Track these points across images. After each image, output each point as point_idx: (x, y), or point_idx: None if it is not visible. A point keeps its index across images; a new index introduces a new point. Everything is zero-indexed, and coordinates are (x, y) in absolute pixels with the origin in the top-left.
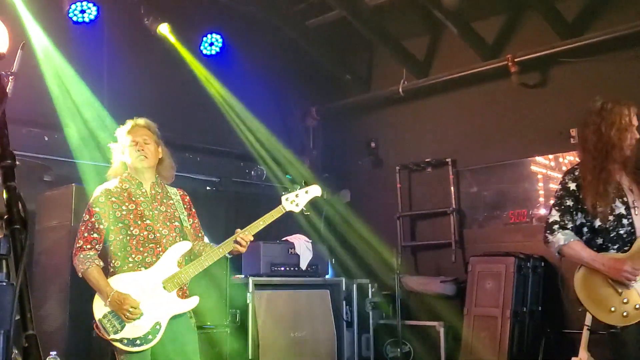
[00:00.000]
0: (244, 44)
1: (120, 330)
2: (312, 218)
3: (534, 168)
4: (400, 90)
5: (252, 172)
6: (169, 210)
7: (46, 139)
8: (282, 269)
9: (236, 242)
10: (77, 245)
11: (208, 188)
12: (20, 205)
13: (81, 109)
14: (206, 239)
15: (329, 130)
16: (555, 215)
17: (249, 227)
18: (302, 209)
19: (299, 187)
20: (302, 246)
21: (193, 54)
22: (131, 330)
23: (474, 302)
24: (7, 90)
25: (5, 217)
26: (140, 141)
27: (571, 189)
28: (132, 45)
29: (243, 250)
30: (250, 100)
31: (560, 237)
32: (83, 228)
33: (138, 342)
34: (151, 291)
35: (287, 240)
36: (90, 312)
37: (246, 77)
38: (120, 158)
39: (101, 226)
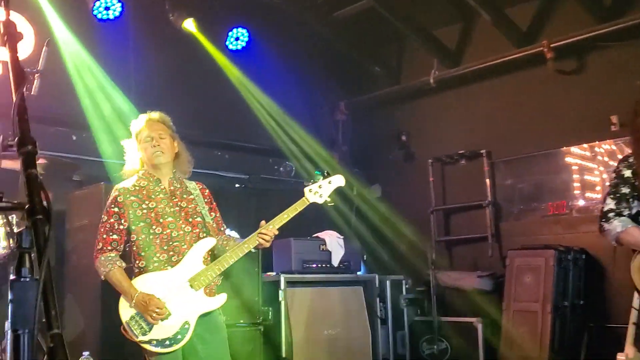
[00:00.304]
0: (270, 37)
1: (149, 332)
2: (344, 214)
3: (570, 158)
4: (432, 80)
5: (281, 169)
6: (189, 206)
7: (74, 138)
8: (314, 265)
9: (260, 236)
10: (97, 247)
11: (237, 185)
12: (42, 194)
13: (108, 107)
14: (229, 232)
15: (359, 124)
16: (610, 204)
17: (273, 221)
18: (326, 200)
19: (321, 178)
20: (334, 242)
21: (219, 49)
22: (160, 331)
23: (513, 297)
24: (33, 88)
25: (27, 207)
26: (156, 136)
27: (626, 176)
28: (157, 41)
29: (267, 244)
30: (277, 95)
31: (617, 224)
32: (102, 230)
33: (167, 342)
34: (178, 290)
35: (318, 237)
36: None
37: (273, 72)
38: (135, 155)
39: (121, 226)
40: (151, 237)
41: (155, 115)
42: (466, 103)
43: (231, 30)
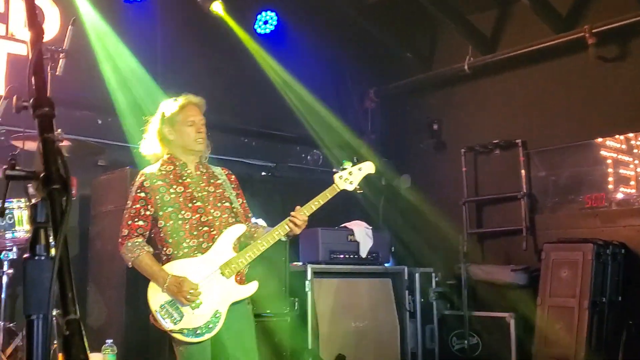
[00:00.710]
0: (299, 21)
1: (180, 321)
2: (373, 204)
3: (609, 149)
4: (466, 67)
5: (309, 157)
6: (217, 191)
7: (99, 122)
8: (341, 256)
9: (291, 220)
10: (122, 234)
11: (263, 173)
12: (60, 161)
13: (134, 91)
14: (254, 220)
15: (389, 112)
16: None
17: (304, 207)
18: (356, 187)
19: (351, 165)
20: (362, 233)
21: (247, 32)
22: (191, 319)
23: (549, 292)
24: (59, 68)
25: (42, 175)
26: (199, 122)
27: None
28: (184, 24)
29: (298, 230)
30: (305, 81)
31: None
32: (127, 216)
33: (199, 331)
34: (209, 278)
35: (346, 227)
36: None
37: (301, 57)
38: (162, 135)
39: (147, 212)
40: (180, 222)
41: (197, 99)
42: (501, 91)
43: (260, 14)
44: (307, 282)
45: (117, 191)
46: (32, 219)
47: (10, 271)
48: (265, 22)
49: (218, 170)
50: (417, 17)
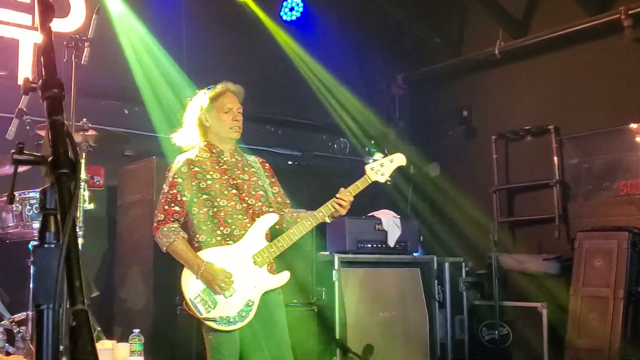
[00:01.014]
0: (326, 8)
1: (213, 309)
2: (401, 192)
3: None
4: (497, 51)
5: (335, 145)
6: (252, 179)
7: (126, 112)
8: (369, 245)
9: (337, 201)
10: (158, 219)
11: (290, 162)
12: (69, 144)
13: (160, 80)
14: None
15: (417, 99)
16: None
17: (345, 190)
18: (387, 179)
19: (382, 156)
20: (390, 222)
21: (273, 19)
22: (224, 308)
23: (582, 282)
24: (83, 57)
25: (50, 159)
26: (236, 111)
27: None
28: (210, 12)
29: (344, 211)
30: (332, 68)
31: None
32: (163, 200)
33: (232, 320)
34: (241, 266)
35: (373, 216)
36: (174, 287)
37: (327, 44)
38: (200, 122)
39: (183, 198)
40: (215, 209)
41: (235, 87)
42: (533, 75)
43: (286, 0)
44: (334, 272)
45: (143, 181)
46: (42, 206)
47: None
48: (292, 9)
49: (252, 158)
50: (445, 1)
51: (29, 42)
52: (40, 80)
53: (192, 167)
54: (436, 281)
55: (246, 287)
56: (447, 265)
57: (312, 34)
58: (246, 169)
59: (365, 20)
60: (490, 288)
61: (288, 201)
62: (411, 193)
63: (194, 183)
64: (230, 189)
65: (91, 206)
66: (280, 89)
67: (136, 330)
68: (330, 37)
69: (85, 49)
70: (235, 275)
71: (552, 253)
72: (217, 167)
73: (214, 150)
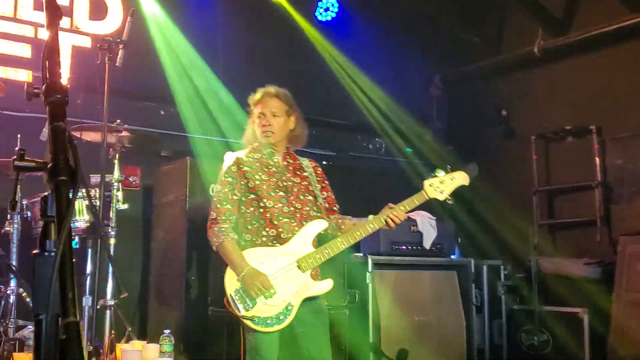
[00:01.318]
0: (361, 7)
1: (252, 308)
2: None
3: None
4: (536, 50)
5: (370, 145)
6: (302, 183)
7: (162, 113)
8: (404, 247)
9: (391, 217)
10: (211, 217)
11: (324, 163)
12: (69, 151)
13: (194, 81)
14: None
15: (454, 99)
16: None
17: (399, 206)
18: (447, 197)
19: (443, 172)
20: (425, 223)
21: (308, 20)
22: (263, 308)
23: (625, 287)
24: (118, 59)
25: (49, 165)
26: (268, 114)
27: None
28: (244, 13)
29: (394, 227)
30: (367, 68)
31: None
32: (216, 199)
33: (269, 321)
34: (285, 270)
35: (408, 217)
36: (205, 289)
37: (363, 44)
38: (250, 125)
39: (234, 197)
40: (261, 210)
41: (272, 89)
42: (574, 75)
43: (321, 1)
44: (367, 274)
45: (177, 181)
46: (43, 213)
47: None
48: (327, 10)
49: (306, 162)
50: (484, 0)
51: (66, 44)
52: (44, 85)
53: (241, 166)
54: (474, 285)
55: (287, 291)
56: (485, 268)
57: (347, 34)
58: (298, 172)
59: (402, 19)
60: (530, 292)
61: (336, 207)
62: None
63: (242, 182)
64: (277, 190)
65: (125, 206)
66: (315, 89)
67: (167, 331)
68: (366, 37)
69: (120, 51)
70: (277, 278)
71: (594, 257)
72: (265, 169)
73: (264, 152)
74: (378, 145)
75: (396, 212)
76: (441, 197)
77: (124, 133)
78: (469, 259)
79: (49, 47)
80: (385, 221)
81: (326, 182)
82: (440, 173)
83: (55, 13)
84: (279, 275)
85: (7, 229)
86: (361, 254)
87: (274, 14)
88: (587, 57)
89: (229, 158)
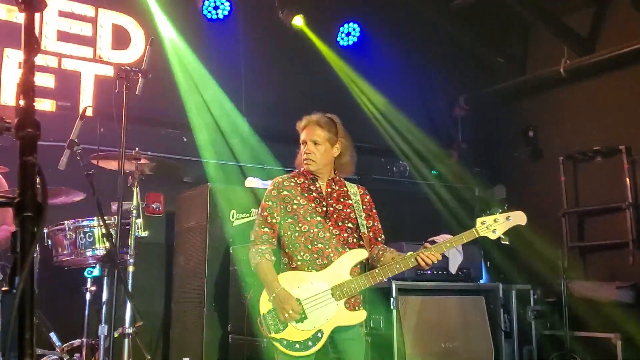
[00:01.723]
0: (383, 31)
1: (282, 330)
2: (463, 217)
3: None
4: (562, 70)
5: (394, 169)
6: (344, 210)
7: (185, 140)
8: (429, 272)
9: (422, 258)
10: (251, 239)
11: None
12: (37, 186)
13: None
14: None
15: (480, 120)
16: None
17: (435, 247)
18: (501, 237)
19: (499, 211)
20: (452, 248)
21: (329, 45)
22: (292, 332)
23: None
24: (138, 88)
25: (16, 200)
26: (310, 143)
27: None
28: (266, 39)
29: (427, 267)
30: (390, 91)
31: None
32: (256, 221)
33: (297, 346)
34: (318, 296)
35: (433, 241)
36: (226, 315)
37: (385, 67)
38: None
39: (273, 220)
40: (296, 234)
41: (314, 117)
42: (602, 94)
43: (342, 26)
44: (392, 300)
45: (198, 207)
46: (12, 249)
47: (93, 288)
48: (348, 34)
49: (354, 189)
50: (507, 20)
51: (90, 73)
52: (16, 119)
53: (281, 190)
54: (502, 310)
55: (318, 318)
56: (513, 292)
57: (369, 57)
58: (342, 199)
59: (425, 42)
60: (560, 317)
61: (380, 238)
62: (475, 217)
63: (282, 206)
64: (315, 215)
65: (145, 233)
66: (337, 113)
67: (186, 359)
68: (388, 61)
69: (139, 79)
70: (310, 303)
71: (626, 280)
72: (306, 194)
73: (308, 177)
74: (402, 169)
75: (427, 253)
76: (493, 236)
77: (143, 160)
78: (497, 283)
79: (22, 82)
80: (417, 260)
81: (373, 210)
82: (496, 212)
83: (32, 46)
84: (311, 300)
85: None
86: (385, 280)
87: (295, 39)
88: (615, 75)
89: (273, 182)
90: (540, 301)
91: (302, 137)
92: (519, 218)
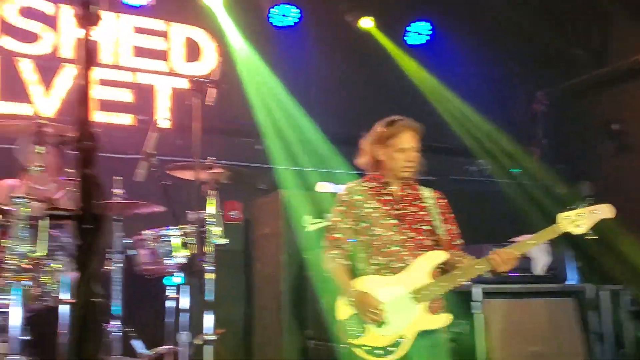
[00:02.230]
0: (455, 28)
1: (361, 336)
2: (549, 216)
3: None
4: None
5: (472, 168)
6: (419, 212)
7: (258, 147)
8: (514, 274)
9: (494, 260)
10: (324, 244)
11: None
12: (96, 198)
13: (284, 115)
14: None
15: (561, 115)
16: None
17: (515, 246)
18: (589, 232)
19: (582, 205)
20: (537, 248)
21: (399, 45)
22: (372, 338)
23: None
24: (210, 98)
25: (76, 214)
26: (410, 150)
27: None
28: (335, 44)
29: (504, 268)
30: (464, 89)
31: None
32: (329, 227)
33: (377, 351)
34: (398, 300)
35: (514, 242)
36: (304, 321)
37: (458, 65)
38: (374, 154)
39: (345, 225)
40: (371, 239)
41: (416, 124)
42: None
43: (410, 25)
44: (475, 303)
45: (272, 214)
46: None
47: (174, 296)
48: (418, 33)
49: (428, 192)
50: (585, 10)
51: (164, 87)
52: (76, 131)
53: (352, 195)
54: (594, 312)
55: (400, 322)
56: (605, 293)
57: (441, 56)
58: (415, 202)
59: (499, 37)
60: None
61: (458, 242)
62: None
63: (354, 211)
64: (389, 219)
65: (225, 241)
66: (410, 114)
67: None
68: (461, 58)
69: (212, 90)
70: (390, 307)
71: None
72: (378, 197)
73: (381, 181)
74: (481, 167)
75: (500, 252)
76: (579, 231)
77: (217, 169)
78: (587, 284)
79: (79, 95)
80: (495, 259)
81: (450, 214)
82: (579, 205)
83: (88, 62)
84: (391, 304)
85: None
86: (468, 282)
87: (364, 42)
88: None
89: (344, 187)
90: (635, 302)
91: (403, 145)
92: (606, 210)
